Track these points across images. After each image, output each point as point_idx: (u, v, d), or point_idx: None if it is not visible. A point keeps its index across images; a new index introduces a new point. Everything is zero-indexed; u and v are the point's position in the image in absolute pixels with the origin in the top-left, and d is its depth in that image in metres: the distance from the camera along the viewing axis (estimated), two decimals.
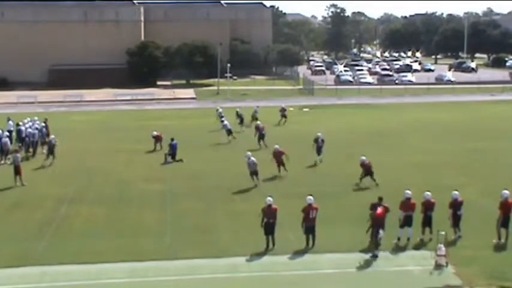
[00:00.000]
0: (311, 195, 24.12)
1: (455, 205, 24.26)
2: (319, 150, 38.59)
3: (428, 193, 24.63)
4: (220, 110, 54.88)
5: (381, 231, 22.83)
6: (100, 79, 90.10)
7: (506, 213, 23.75)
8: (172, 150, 39.46)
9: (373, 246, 22.75)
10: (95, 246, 24.00)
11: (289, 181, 33.75)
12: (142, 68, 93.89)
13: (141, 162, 39.94)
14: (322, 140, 38.96)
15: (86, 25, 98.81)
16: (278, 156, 34.98)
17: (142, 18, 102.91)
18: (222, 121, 49.22)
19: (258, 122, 46.99)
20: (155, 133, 43.67)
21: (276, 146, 35.79)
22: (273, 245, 23.43)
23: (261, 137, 44.26)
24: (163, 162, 39.17)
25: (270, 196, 24.43)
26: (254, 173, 33.01)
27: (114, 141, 47.46)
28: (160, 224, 26.98)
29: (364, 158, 32.94)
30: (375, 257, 22.47)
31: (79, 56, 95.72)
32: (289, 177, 34.40)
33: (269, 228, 23.47)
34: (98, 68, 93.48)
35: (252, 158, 33.17)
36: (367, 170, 32.43)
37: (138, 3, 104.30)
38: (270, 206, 23.75)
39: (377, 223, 22.79)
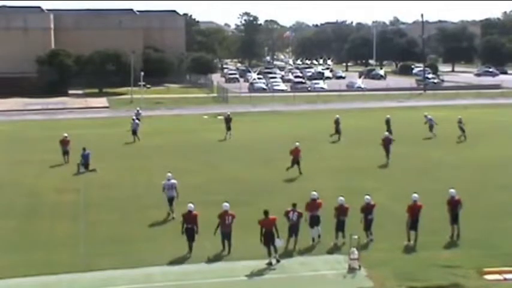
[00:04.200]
0: (227, 201, 24.24)
1: (367, 209, 24.89)
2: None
3: (341, 198, 25.14)
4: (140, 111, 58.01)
5: (277, 240, 22.79)
6: (8, 88, 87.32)
7: (414, 216, 24.55)
8: (85, 160, 38.82)
9: (267, 253, 22.71)
10: (5, 260, 23.27)
11: (205, 189, 33.65)
12: (53, 76, 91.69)
13: (53, 172, 39.07)
14: (388, 121, 50.80)
15: None
16: None
17: (52, 26, 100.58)
18: (134, 120, 51.63)
19: None
20: (64, 135, 42.56)
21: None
22: (190, 251, 23.56)
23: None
24: (75, 173, 38.44)
25: (190, 203, 24.37)
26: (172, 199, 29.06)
27: (25, 152, 46.21)
28: (73, 235, 26.45)
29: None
30: (269, 264, 22.48)
31: None
32: (205, 185, 34.37)
33: (189, 234, 23.63)
34: (5, 77, 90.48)
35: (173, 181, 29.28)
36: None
37: (48, 10, 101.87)
38: (190, 212, 23.92)
39: (266, 231, 22.70)
